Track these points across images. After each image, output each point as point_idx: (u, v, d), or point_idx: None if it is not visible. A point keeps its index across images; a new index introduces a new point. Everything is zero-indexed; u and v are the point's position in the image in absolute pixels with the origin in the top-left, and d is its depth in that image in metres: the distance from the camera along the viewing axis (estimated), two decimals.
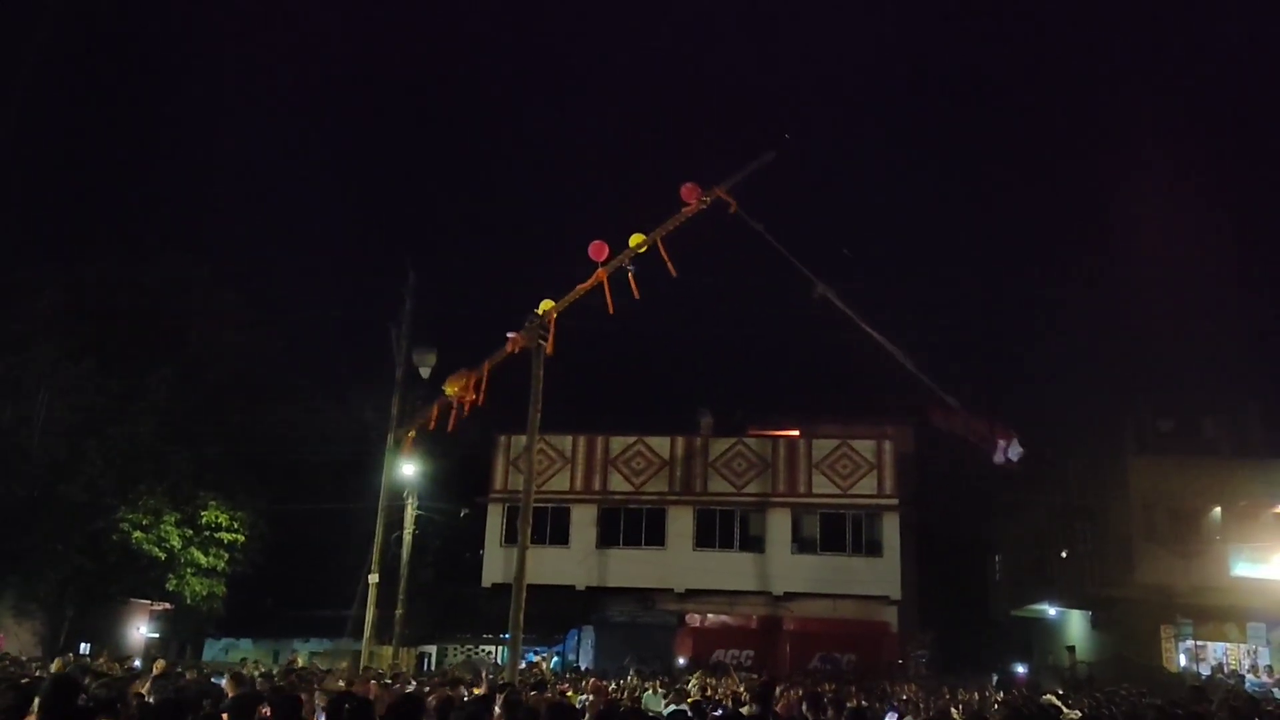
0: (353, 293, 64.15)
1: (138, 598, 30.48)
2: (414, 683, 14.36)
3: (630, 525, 29.62)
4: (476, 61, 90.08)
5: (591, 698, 12.24)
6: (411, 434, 20.55)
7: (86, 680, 9.19)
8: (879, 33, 78.99)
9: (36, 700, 6.05)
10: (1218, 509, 26.92)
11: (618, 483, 29.92)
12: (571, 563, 29.13)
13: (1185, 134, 63.88)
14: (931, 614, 31.58)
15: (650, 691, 16.15)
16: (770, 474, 29.50)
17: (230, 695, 8.23)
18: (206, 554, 28.50)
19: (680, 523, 29.52)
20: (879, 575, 28.41)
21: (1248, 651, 25.92)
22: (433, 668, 30.27)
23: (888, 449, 29.34)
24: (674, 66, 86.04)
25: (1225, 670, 24.97)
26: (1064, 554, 31.51)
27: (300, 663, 20.88)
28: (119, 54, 66.76)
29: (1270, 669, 24.84)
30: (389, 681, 13.51)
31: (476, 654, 32.79)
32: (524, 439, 19.40)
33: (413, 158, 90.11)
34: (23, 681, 8.20)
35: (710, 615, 30.16)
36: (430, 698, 9.46)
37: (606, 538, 29.57)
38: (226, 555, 29.02)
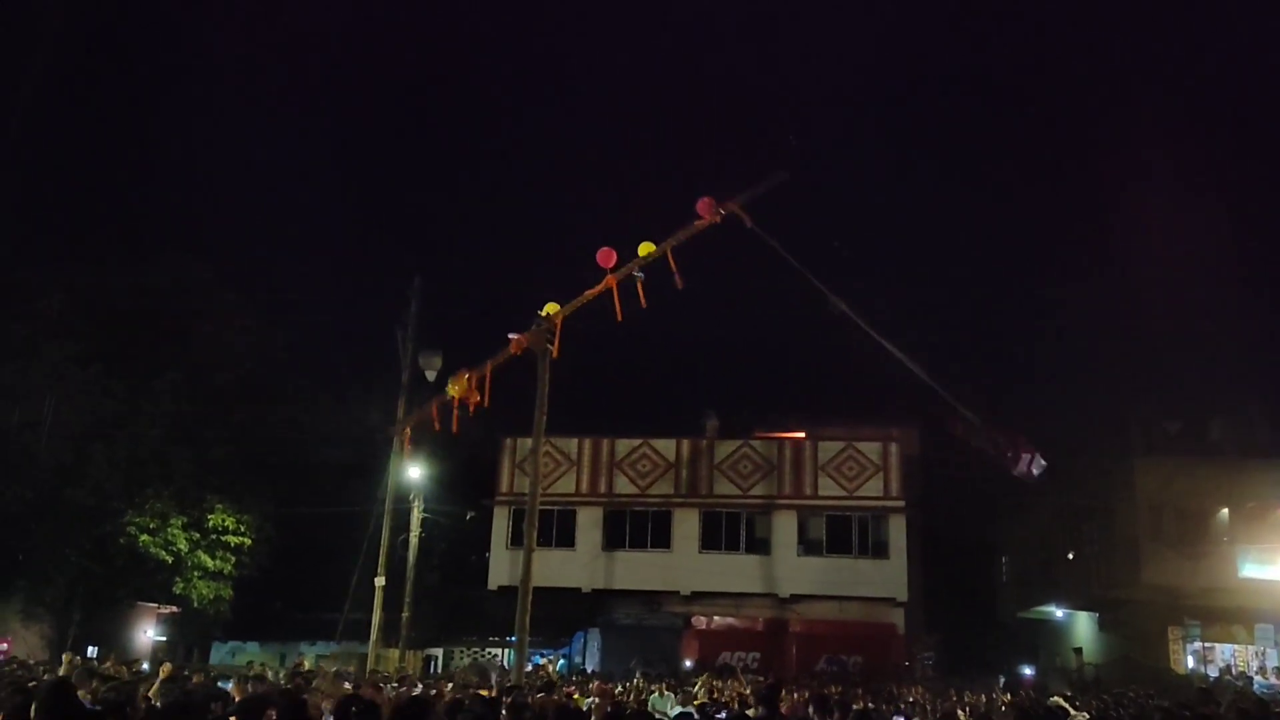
0: (359, 295, 64.36)
1: (145, 601, 30.56)
2: (420, 685, 14.38)
3: (636, 528, 29.62)
4: (479, 62, 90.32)
5: (597, 700, 12.25)
6: (408, 431, 20.47)
7: (94, 683, 9.22)
8: (879, 33, 78.98)
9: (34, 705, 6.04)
10: (1225, 510, 26.85)
11: (623, 485, 29.92)
12: (577, 565, 29.14)
13: (1189, 133, 63.84)
14: (938, 616, 31.53)
15: (657, 694, 16.14)
16: (776, 476, 29.47)
17: (238, 699, 8.25)
18: (213, 557, 28.55)
19: (686, 525, 29.51)
20: (885, 577, 28.36)
21: (1256, 653, 25.85)
22: (439, 670, 30.28)
23: (893, 451, 29.30)
24: (675, 67, 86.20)
25: (1233, 672, 24.92)
26: (1071, 555, 31.46)
27: (307, 665, 20.91)
28: (121, 55, 67.01)
29: (1278, 670, 24.77)
30: (395, 685, 13.53)
31: (483, 657, 32.80)
32: (530, 441, 19.38)
33: (415, 159, 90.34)
34: (30, 685, 8.22)
35: (716, 618, 30.12)
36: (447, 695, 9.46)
37: (612, 540, 29.56)
38: (233, 558, 29.07)
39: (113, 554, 27.54)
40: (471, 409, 17.98)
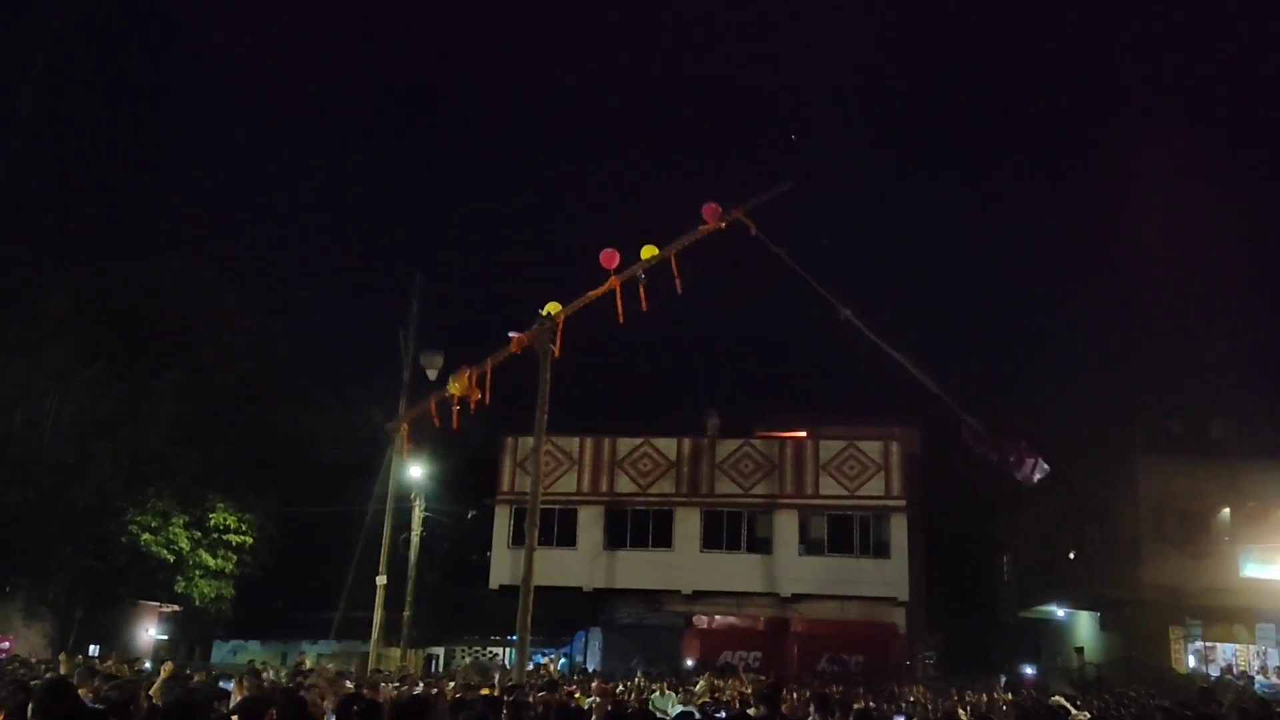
0: (360, 294, 64.37)
1: (146, 600, 30.59)
2: (421, 684, 14.39)
3: (637, 527, 29.62)
4: (479, 62, 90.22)
5: (598, 700, 12.25)
6: (407, 429, 20.43)
7: (96, 682, 9.24)
8: (879, 33, 78.94)
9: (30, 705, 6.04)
10: (1226, 510, 26.85)
11: (625, 484, 29.93)
12: (579, 564, 29.16)
13: (1189, 133, 63.70)
14: (939, 615, 31.52)
15: (658, 693, 16.14)
16: (777, 475, 29.47)
17: (239, 697, 8.26)
18: (215, 556, 28.60)
19: (687, 524, 29.52)
20: (886, 577, 28.36)
21: (1257, 653, 25.83)
22: (440, 670, 30.30)
23: (895, 450, 29.30)
24: (675, 67, 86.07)
25: (1235, 671, 24.91)
26: (1072, 555, 31.45)
27: (309, 664, 20.94)
28: (121, 55, 66.96)
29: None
30: (397, 684, 13.54)
31: (484, 656, 32.81)
32: (531, 440, 19.40)
33: (415, 159, 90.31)
34: (31, 683, 8.23)
35: (718, 617, 30.13)
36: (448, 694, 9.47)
37: (613, 539, 29.57)
38: (235, 557, 29.13)
39: (115, 553, 27.58)
40: (473, 406, 18.00)
